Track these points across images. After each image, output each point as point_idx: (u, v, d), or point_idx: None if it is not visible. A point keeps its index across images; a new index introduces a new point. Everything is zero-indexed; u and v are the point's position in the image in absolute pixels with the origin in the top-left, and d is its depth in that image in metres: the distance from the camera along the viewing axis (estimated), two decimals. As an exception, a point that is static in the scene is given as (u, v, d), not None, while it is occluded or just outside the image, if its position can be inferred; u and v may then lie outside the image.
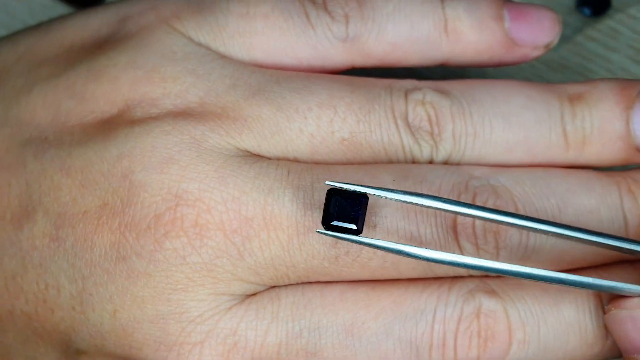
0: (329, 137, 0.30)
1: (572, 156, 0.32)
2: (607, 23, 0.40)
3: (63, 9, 0.41)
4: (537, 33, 0.33)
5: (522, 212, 0.30)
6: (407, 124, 0.31)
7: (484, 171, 0.31)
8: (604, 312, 0.30)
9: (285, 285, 0.30)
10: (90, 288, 0.30)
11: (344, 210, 0.28)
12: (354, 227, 0.28)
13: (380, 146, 0.31)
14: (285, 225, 0.29)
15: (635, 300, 0.29)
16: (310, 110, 0.30)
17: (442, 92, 0.32)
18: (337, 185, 0.28)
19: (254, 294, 0.30)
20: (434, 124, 0.31)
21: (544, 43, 0.33)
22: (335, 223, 0.28)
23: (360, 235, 0.28)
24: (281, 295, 0.30)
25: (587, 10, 0.40)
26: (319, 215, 0.29)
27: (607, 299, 0.31)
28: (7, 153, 0.31)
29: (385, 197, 0.28)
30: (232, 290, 0.30)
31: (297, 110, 0.30)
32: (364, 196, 0.28)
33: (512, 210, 0.30)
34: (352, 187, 0.28)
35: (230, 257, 0.29)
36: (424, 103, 0.31)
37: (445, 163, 0.32)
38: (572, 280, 0.29)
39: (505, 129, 0.31)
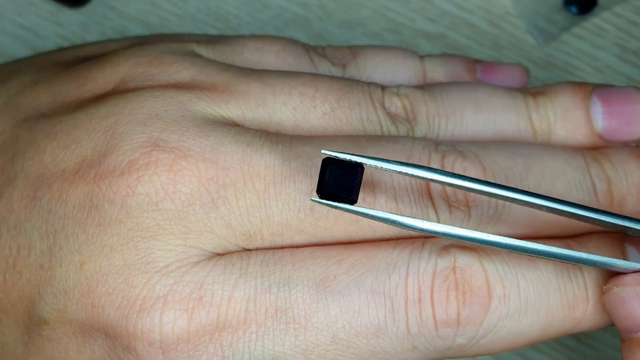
0: (310, 111, 0.31)
1: (540, 143, 0.33)
2: (594, 21, 0.40)
3: (49, 6, 0.41)
4: (507, 83, 0.36)
5: (489, 171, 0.31)
6: (384, 109, 0.32)
7: (450, 142, 0.32)
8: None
9: (256, 249, 0.30)
10: (61, 241, 0.29)
11: (340, 179, 0.27)
12: (349, 200, 0.27)
13: (359, 123, 0.31)
14: (263, 174, 0.29)
15: (639, 277, 0.28)
16: (294, 88, 0.31)
17: (415, 86, 0.33)
18: (333, 154, 0.27)
19: (224, 254, 0.30)
20: (409, 111, 0.32)
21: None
22: (329, 197, 0.27)
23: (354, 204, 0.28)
24: (251, 255, 0.29)
25: (573, 9, 0.40)
26: (296, 164, 0.29)
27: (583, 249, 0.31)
28: (1, 134, 0.32)
29: (381, 167, 0.28)
30: (202, 244, 0.29)
31: (282, 87, 0.31)
32: (360, 166, 0.28)
33: (479, 169, 0.30)
34: (347, 157, 0.27)
35: (203, 205, 0.29)
36: (399, 95, 0.32)
37: None
38: (558, 253, 0.28)
39: (475, 111, 0.33)
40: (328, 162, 0.27)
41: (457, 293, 0.29)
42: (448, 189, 0.30)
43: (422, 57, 0.36)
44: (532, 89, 0.34)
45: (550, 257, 0.28)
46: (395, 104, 0.32)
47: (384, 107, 0.32)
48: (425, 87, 0.33)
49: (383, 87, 0.33)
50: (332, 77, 0.33)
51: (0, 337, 0.30)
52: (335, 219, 0.30)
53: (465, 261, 0.30)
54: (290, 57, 0.34)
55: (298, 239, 0.30)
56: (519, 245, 0.28)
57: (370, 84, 0.33)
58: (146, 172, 0.29)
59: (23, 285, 0.30)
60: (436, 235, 0.28)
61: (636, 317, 0.28)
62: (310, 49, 0.35)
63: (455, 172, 0.29)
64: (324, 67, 0.34)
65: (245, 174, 0.29)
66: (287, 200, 0.29)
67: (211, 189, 0.29)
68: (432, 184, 0.30)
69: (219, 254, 0.29)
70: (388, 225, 0.29)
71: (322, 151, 0.27)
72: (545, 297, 0.30)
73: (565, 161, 0.32)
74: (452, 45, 0.41)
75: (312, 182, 0.29)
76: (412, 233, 0.30)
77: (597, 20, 0.40)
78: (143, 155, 0.29)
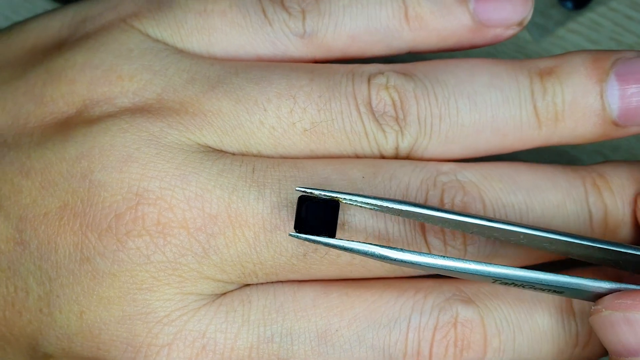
0: (290, 129, 0.30)
1: (545, 134, 0.31)
2: (589, 16, 0.40)
3: (44, 3, 0.41)
4: (506, 11, 0.32)
5: (489, 207, 0.30)
6: (371, 110, 0.30)
7: (452, 167, 0.31)
8: (591, 313, 0.29)
9: (257, 285, 0.30)
10: (57, 290, 0.29)
11: (316, 216, 0.28)
12: (325, 235, 0.28)
13: (343, 135, 0.30)
14: (252, 223, 0.29)
15: (629, 301, 0.28)
16: (269, 102, 0.30)
17: (406, 75, 0.31)
18: (308, 191, 0.27)
19: (224, 294, 0.30)
20: (398, 108, 0.30)
21: (516, 20, 0.32)
22: (306, 233, 0.28)
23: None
24: (252, 298, 0.29)
25: (569, 4, 0.40)
26: (286, 213, 0.29)
27: (579, 301, 0.31)
28: None
29: (356, 202, 0.27)
30: (199, 290, 0.29)
31: (256, 102, 0.30)
32: (336, 202, 0.28)
33: (479, 205, 0.30)
34: (322, 193, 0.27)
35: (195, 255, 0.29)
36: (388, 87, 0.30)
37: (412, 150, 0.31)
38: (543, 279, 0.28)
39: (471, 109, 0.30)
40: (304, 199, 0.28)
41: (455, 349, 0.29)
42: (446, 233, 0.30)
43: None
44: (542, 62, 0.31)
45: (536, 282, 0.28)
46: (384, 99, 0.30)
47: (370, 109, 0.30)
48: (417, 74, 0.31)
49: (370, 77, 0.30)
50: (311, 79, 0.30)
51: None
52: (328, 264, 0.29)
53: (467, 316, 0.30)
54: (238, 15, 0.31)
55: (293, 277, 0.30)
56: (495, 272, 0.28)
57: (354, 75, 0.31)
58: (134, 227, 0.28)
59: (24, 324, 0.30)
60: (419, 269, 0.28)
61: (626, 342, 0.28)
62: None
63: (446, 209, 0.29)
64: (280, 22, 0.31)
65: (233, 222, 0.29)
66: (278, 248, 0.29)
67: (201, 239, 0.29)
68: (429, 229, 0.30)
69: (218, 295, 0.29)
70: (382, 266, 0.29)
71: (297, 188, 0.27)
72: (537, 349, 0.30)
73: (566, 193, 0.31)
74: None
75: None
76: (406, 270, 0.30)
77: (592, 15, 0.40)
78: (129, 210, 0.29)
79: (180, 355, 0.29)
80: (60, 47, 0.32)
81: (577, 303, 0.31)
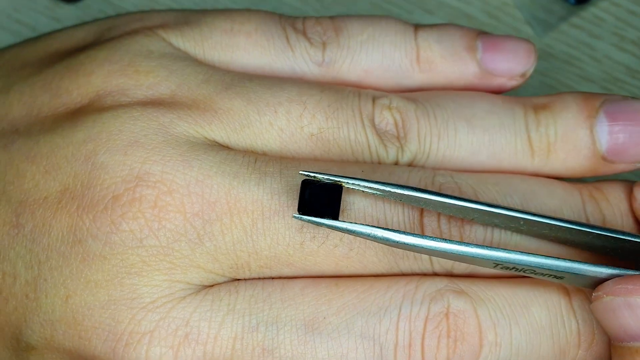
0: (297, 132, 0.30)
1: (537, 163, 0.32)
2: (592, 11, 0.40)
3: (46, 1, 0.41)
4: (511, 63, 0.33)
5: None
6: (374, 126, 0.31)
7: (449, 172, 0.31)
8: (591, 301, 0.29)
9: (245, 280, 0.29)
10: (46, 273, 0.29)
11: (319, 200, 0.27)
12: (329, 218, 0.27)
13: (347, 144, 0.31)
14: (250, 209, 0.29)
15: (629, 286, 0.28)
16: (280, 105, 0.30)
17: (408, 99, 0.32)
18: (312, 174, 0.27)
19: (212, 286, 0.29)
20: (400, 127, 0.31)
21: (519, 73, 0.33)
22: (310, 215, 0.27)
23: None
24: (240, 289, 0.29)
25: (571, -1, 0.40)
26: (286, 199, 0.29)
27: (580, 299, 0.30)
28: None
29: (358, 186, 0.28)
30: (188, 278, 0.29)
31: (267, 104, 0.30)
32: (339, 186, 0.28)
33: None
34: (326, 177, 0.27)
35: (189, 241, 0.28)
36: (391, 108, 0.31)
37: (411, 164, 0.32)
38: (544, 263, 0.28)
39: (469, 131, 0.32)
40: (307, 183, 0.28)
41: (448, 340, 0.29)
42: (442, 220, 0.30)
43: (416, 28, 0.34)
44: (536, 99, 0.33)
45: (537, 267, 0.28)
46: (386, 119, 0.31)
47: (373, 125, 0.31)
48: (419, 99, 0.32)
49: (374, 98, 0.32)
50: (321, 90, 0.31)
51: None
52: (325, 255, 0.29)
53: (459, 306, 0.29)
54: (263, 38, 0.33)
55: (287, 271, 0.29)
56: (500, 256, 0.28)
57: (361, 94, 0.32)
58: (130, 209, 0.28)
59: (10, 312, 0.29)
60: (420, 252, 0.28)
61: (627, 327, 0.28)
62: (288, 25, 0.33)
63: (447, 194, 0.29)
64: (301, 49, 0.33)
65: (232, 208, 0.29)
66: (275, 235, 0.29)
67: (197, 224, 0.28)
68: (426, 216, 0.30)
69: (206, 286, 0.29)
70: (380, 261, 0.29)
71: (300, 172, 0.27)
72: (537, 345, 0.30)
73: (562, 200, 0.31)
74: (450, 37, 0.40)
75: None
76: (402, 267, 0.30)
77: (595, 10, 0.40)
78: (127, 191, 0.28)
79: (161, 344, 0.28)
80: (83, 48, 0.33)
81: (576, 301, 0.30)
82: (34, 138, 0.30)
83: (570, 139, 0.32)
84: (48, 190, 0.29)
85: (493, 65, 0.33)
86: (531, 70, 0.34)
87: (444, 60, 0.33)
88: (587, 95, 0.32)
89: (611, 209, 0.32)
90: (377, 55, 0.33)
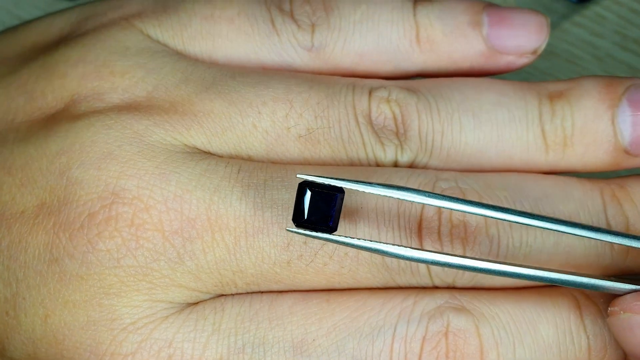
0: (284, 134, 0.29)
1: (552, 159, 0.30)
2: (594, 9, 0.39)
3: (47, -2, 0.41)
4: (521, 39, 0.31)
5: None
6: (370, 122, 0.29)
7: (452, 174, 0.29)
8: (608, 315, 0.27)
9: (232, 295, 0.28)
10: (24, 291, 0.28)
11: (317, 206, 0.25)
12: (327, 230, 0.26)
13: (339, 144, 0.29)
14: (232, 227, 0.27)
15: None
16: (264, 105, 0.29)
17: (409, 90, 0.30)
18: (310, 178, 0.25)
19: (197, 303, 0.28)
20: (399, 122, 0.29)
21: (530, 49, 0.31)
22: (306, 225, 0.25)
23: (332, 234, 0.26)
24: (226, 306, 0.28)
25: (573, -3, 0.40)
26: (270, 215, 0.27)
27: (592, 313, 0.28)
28: None
29: (363, 191, 0.26)
30: (170, 297, 0.28)
31: (250, 104, 0.28)
32: (340, 190, 0.26)
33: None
34: (326, 181, 0.25)
35: (169, 261, 0.27)
36: (389, 101, 0.29)
37: (411, 166, 0.30)
38: (566, 280, 0.26)
39: (475, 126, 0.29)
40: (304, 188, 0.26)
41: None
42: (443, 225, 0.28)
43: (415, 3, 0.31)
44: (553, 85, 0.30)
45: (540, 281, 0.27)
46: (384, 113, 0.29)
47: (369, 121, 0.29)
48: (421, 89, 0.30)
49: (371, 90, 0.29)
50: (310, 86, 0.29)
51: None
52: (314, 273, 0.28)
53: (459, 325, 0.27)
54: (246, 23, 0.30)
55: (275, 287, 0.28)
56: (509, 271, 0.26)
57: (355, 86, 0.29)
58: (106, 227, 0.27)
59: None
60: (435, 265, 0.26)
61: None
62: (273, 6, 0.31)
63: (451, 196, 0.27)
64: (288, 33, 0.30)
65: (213, 225, 0.27)
66: (260, 254, 0.27)
67: (176, 243, 0.27)
68: (425, 219, 0.28)
69: (190, 304, 0.28)
70: (374, 277, 0.28)
71: (298, 175, 0.26)
72: None
73: (579, 204, 0.29)
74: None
75: (287, 236, 0.27)
76: (399, 281, 0.28)
77: (597, 8, 0.39)
78: (103, 209, 0.27)
79: None
80: (58, 43, 0.31)
81: (587, 315, 0.28)
82: (9, 148, 0.29)
83: (589, 131, 0.29)
84: (25, 204, 0.28)
85: (501, 42, 0.31)
86: (543, 46, 0.31)
87: (446, 39, 0.31)
88: (609, 81, 0.30)
89: (636, 211, 0.29)
90: (372, 36, 0.30)
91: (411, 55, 0.31)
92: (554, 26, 0.39)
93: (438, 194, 0.26)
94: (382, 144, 0.29)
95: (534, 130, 0.29)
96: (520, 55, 0.31)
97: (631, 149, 0.29)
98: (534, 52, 0.31)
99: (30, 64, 0.31)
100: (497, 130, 0.29)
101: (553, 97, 0.30)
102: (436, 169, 0.30)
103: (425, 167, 0.30)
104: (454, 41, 0.31)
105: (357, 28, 0.30)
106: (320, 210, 0.25)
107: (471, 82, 0.30)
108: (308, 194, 0.25)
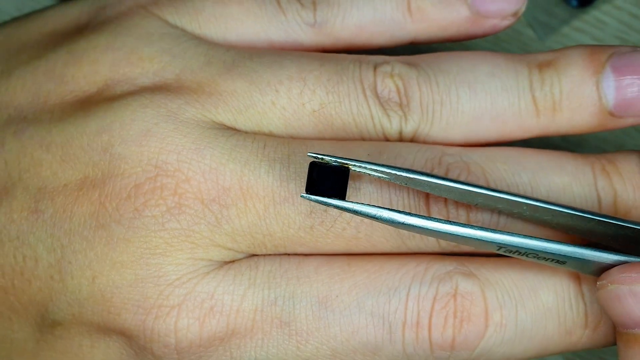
0: (300, 110, 0.31)
1: (543, 123, 0.32)
2: (594, 14, 0.40)
3: (49, 1, 0.41)
4: (502, 3, 0.33)
5: (492, 187, 0.31)
6: (376, 95, 0.32)
7: (457, 149, 0.32)
8: (598, 289, 0.29)
9: (264, 255, 0.31)
10: (69, 256, 0.30)
11: (326, 181, 0.28)
12: (336, 199, 0.28)
13: (349, 117, 0.31)
14: (262, 195, 0.30)
15: (634, 274, 0.28)
16: (281, 84, 0.31)
17: (410, 64, 0.32)
18: (319, 156, 0.28)
19: (232, 262, 0.31)
20: (402, 95, 0.32)
21: (511, 11, 0.34)
22: (318, 196, 0.28)
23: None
24: (259, 264, 0.31)
25: (574, 2, 0.40)
26: (294, 186, 0.30)
27: (589, 283, 0.31)
28: None
29: (365, 169, 0.28)
30: (210, 256, 0.30)
31: (268, 83, 0.31)
32: (346, 168, 0.28)
33: (484, 185, 0.30)
34: (333, 159, 0.28)
35: (208, 224, 0.30)
36: (392, 75, 0.32)
37: (415, 135, 0.32)
38: (546, 247, 0.28)
39: (471, 96, 0.32)
40: (315, 165, 0.28)
41: (454, 320, 0.30)
42: (449, 204, 0.30)
43: None
44: (542, 55, 0.33)
45: (539, 251, 0.28)
46: (389, 86, 0.32)
47: (376, 94, 0.32)
48: (421, 64, 0.32)
49: (376, 65, 0.32)
50: (320, 64, 0.32)
51: (10, 334, 0.31)
52: (334, 237, 0.30)
53: (467, 288, 0.30)
54: (254, 4, 0.33)
55: (301, 250, 0.31)
56: (504, 241, 0.28)
57: (362, 63, 0.32)
58: (152, 196, 0.30)
59: (34, 292, 0.30)
60: (424, 233, 0.28)
61: (633, 314, 0.29)
62: None
63: (453, 178, 0.29)
64: (293, 12, 0.33)
65: (245, 194, 0.30)
66: (286, 220, 0.30)
67: (214, 209, 0.30)
68: (432, 199, 0.30)
69: (227, 262, 0.30)
70: (387, 241, 0.30)
71: (308, 154, 0.28)
72: (542, 326, 0.31)
73: (572, 176, 0.32)
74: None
75: (310, 204, 0.30)
76: (410, 245, 0.31)
77: (597, 13, 0.40)
78: (148, 181, 0.30)
79: (189, 316, 0.30)
80: (81, 30, 0.33)
81: (586, 285, 0.31)
82: (45, 127, 0.31)
83: (576, 96, 0.32)
84: (67, 178, 0.30)
85: (484, 7, 0.33)
86: (523, 9, 0.34)
87: (434, 8, 0.33)
88: (593, 49, 0.32)
89: (623, 184, 0.32)
90: (368, 10, 0.33)
91: (404, 25, 0.34)
92: (554, 31, 0.40)
93: (431, 174, 0.29)
94: (388, 115, 0.32)
95: (525, 98, 0.32)
96: (502, 18, 0.34)
97: (615, 111, 0.32)
98: (515, 14, 0.34)
99: (55, 49, 0.33)
100: (491, 98, 0.32)
101: (542, 67, 0.32)
102: (438, 144, 0.32)
103: (427, 135, 0.32)
104: (442, 9, 0.33)
105: (355, 3, 0.33)
106: (328, 183, 0.28)
107: (467, 55, 0.33)
108: (318, 168, 0.28)
